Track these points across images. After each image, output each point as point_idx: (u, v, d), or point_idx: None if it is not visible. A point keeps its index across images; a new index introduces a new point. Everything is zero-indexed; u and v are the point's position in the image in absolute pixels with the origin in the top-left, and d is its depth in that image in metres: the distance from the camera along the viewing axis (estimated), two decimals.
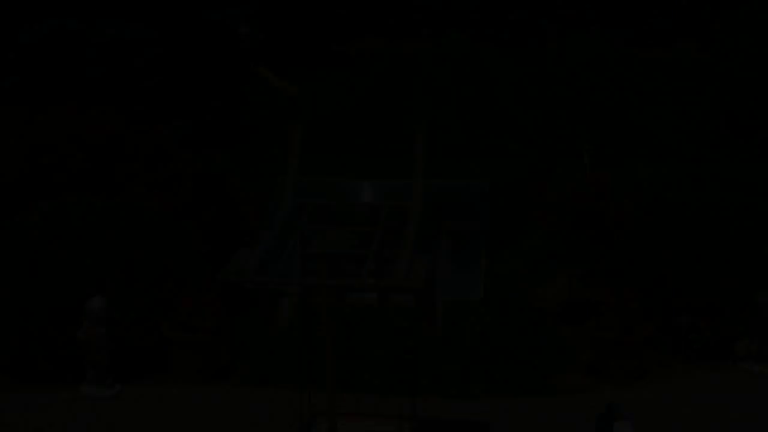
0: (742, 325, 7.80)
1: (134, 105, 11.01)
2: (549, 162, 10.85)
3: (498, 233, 11.86)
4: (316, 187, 6.09)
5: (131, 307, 7.24)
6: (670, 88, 12.41)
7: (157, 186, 8.67)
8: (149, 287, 7.36)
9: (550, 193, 8.66)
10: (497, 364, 7.70)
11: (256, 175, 15.89)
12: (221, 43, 12.85)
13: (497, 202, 12.24)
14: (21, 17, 11.02)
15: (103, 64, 10.97)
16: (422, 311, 4.92)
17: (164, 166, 8.80)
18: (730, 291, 7.84)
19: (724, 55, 11.78)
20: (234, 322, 8.35)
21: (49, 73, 10.83)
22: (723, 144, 12.22)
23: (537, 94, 12.22)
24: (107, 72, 11.01)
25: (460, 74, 12.30)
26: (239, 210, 9.09)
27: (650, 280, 7.94)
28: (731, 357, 7.79)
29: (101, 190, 8.45)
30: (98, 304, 6.90)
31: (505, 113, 12.01)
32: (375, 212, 4.65)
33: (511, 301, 9.30)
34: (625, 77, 12.42)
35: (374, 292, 5.06)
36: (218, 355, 7.47)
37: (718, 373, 7.60)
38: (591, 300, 9.15)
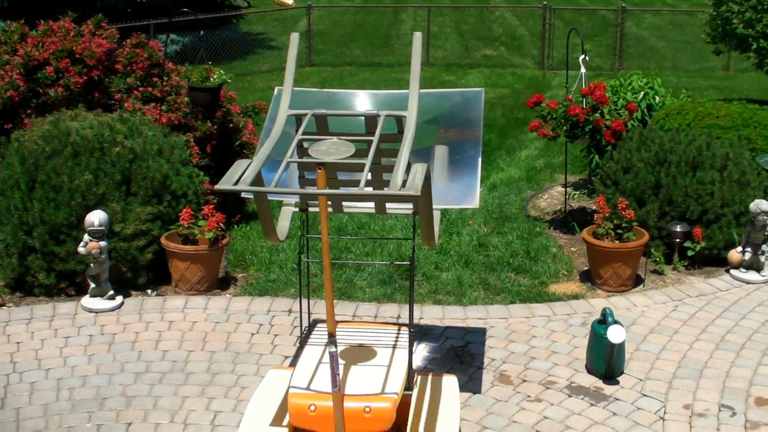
0: (736, 234, 7.87)
1: (129, 19, 10.94)
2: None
3: (495, 144, 11.95)
4: (312, 98, 6.10)
5: (131, 221, 7.29)
6: None
7: (153, 100, 8.69)
8: (148, 201, 7.42)
9: (546, 103, 8.66)
10: (493, 272, 7.80)
11: (253, 89, 15.93)
12: None
13: (495, 113, 12.34)
14: None
15: None
16: (420, 220, 4.96)
17: (160, 80, 8.80)
18: (724, 200, 7.90)
19: None
20: (233, 234, 8.44)
21: None
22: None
23: None
24: None
25: None
26: (237, 123, 9.11)
27: (645, 189, 7.99)
28: (724, 265, 7.88)
29: (97, 106, 8.47)
30: (98, 218, 6.94)
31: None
32: (371, 122, 4.66)
33: (508, 211, 9.39)
34: None
35: (371, 202, 5.11)
36: (218, 267, 7.55)
37: (711, 280, 7.69)
38: (586, 209, 9.23)
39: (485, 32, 23.41)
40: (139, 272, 7.40)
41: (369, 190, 4.69)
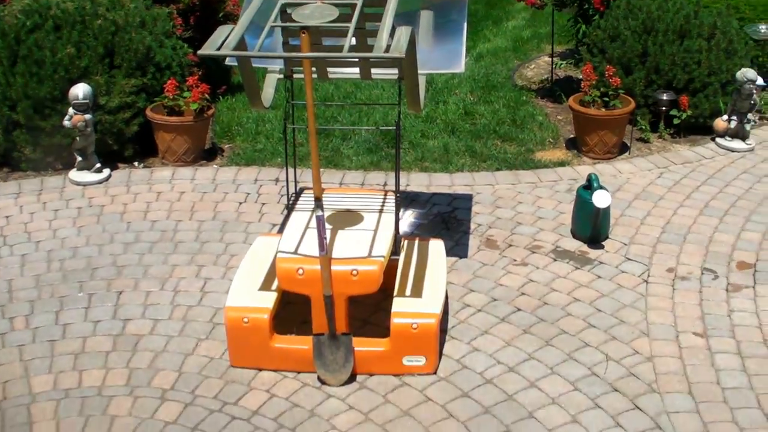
0: (722, 103, 7.87)
1: None
2: None
3: (481, 14, 11.83)
4: None
5: (115, 94, 7.25)
6: None
7: None
8: (132, 73, 7.36)
9: None
10: (480, 140, 7.82)
11: None
12: None
13: None
14: None
15: None
16: (405, 84, 4.95)
17: None
18: (711, 69, 7.88)
19: None
20: (219, 106, 8.41)
21: None
22: None
23: None
24: None
25: None
26: None
27: (632, 57, 7.96)
28: (710, 134, 7.91)
29: None
30: (82, 91, 6.89)
31: None
32: None
33: (494, 81, 9.36)
34: None
35: (356, 66, 5.09)
36: (204, 138, 7.54)
37: (696, 148, 7.72)
38: (573, 78, 9.21)
39: None
40: (125, 145, 7.39)
41: (354, 53, 4.66)
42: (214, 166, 7.38)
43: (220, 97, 8.67)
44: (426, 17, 5.55)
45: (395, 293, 4.91)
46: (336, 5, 4.32)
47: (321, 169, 6.91)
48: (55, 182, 7.07)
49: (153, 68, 7.46)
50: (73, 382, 4.83)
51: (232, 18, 8.87)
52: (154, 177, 7.16)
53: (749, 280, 5.75)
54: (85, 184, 7.02)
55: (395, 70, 5.11)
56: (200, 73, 7.79)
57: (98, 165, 7.11)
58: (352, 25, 4.14)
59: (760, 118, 8.32)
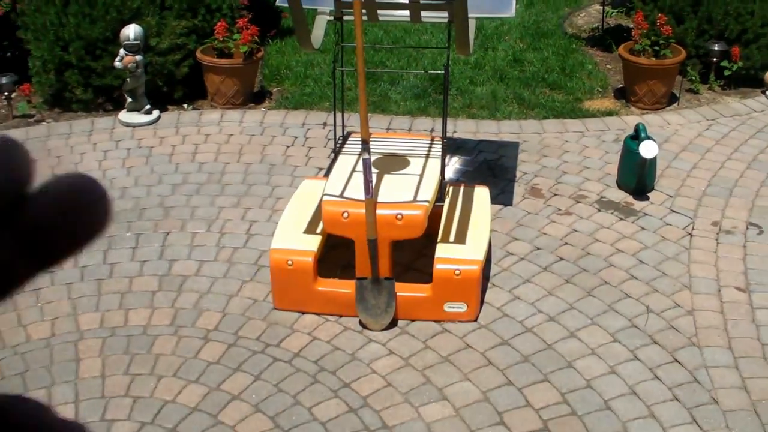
0: None
1: None
2: None
3: None
4: None
5: (166, 35, 7.30)
6: None
7: None
8: (183, 14, 7.40)
9: None
10: (528, 87, 7.79)
11: None
12: None
13: None
14: None
15: None
16: (455, 27, 4.93)
17: None
18: (765, 19, 7.76)
19: None
20: (268, 49, 8.43)
21: None
22: None
23: None
24: None
25: None
26: None
27: (685, 6, 7.86)
28: (761, 86, 7.81)
29: None
30: (133, 32, 6.94)
31: None
32: None
33: (544, 28, 9.28)
34: None
35: (406, 9, 5.08)
36: (253, 81, 7.58)
37: (746, 101, 7.64)
38: (623, 27, 9.11)
39: None
40: (175, 86, 7.45)
41: None
42: (263, 109, 7.43)
43: (270, 41, 8.69)
44: None
45: (439, 239, 4.94)
46: None
47: (368, 114, 6.93)
48: (106, 123, 7.15)
49: (203, 10, 7.49)
50: (120, 321, 4.93)
51: None
52: (202, 119, 7.22)
53: None
54: (134, 126, 7.09)
55: (445, 14, 5.10)
56: (250, 15, 7.80)
57: (148, 107, 7.17)
58: None
59: None
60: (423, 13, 5.07)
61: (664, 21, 7.38)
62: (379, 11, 5.23)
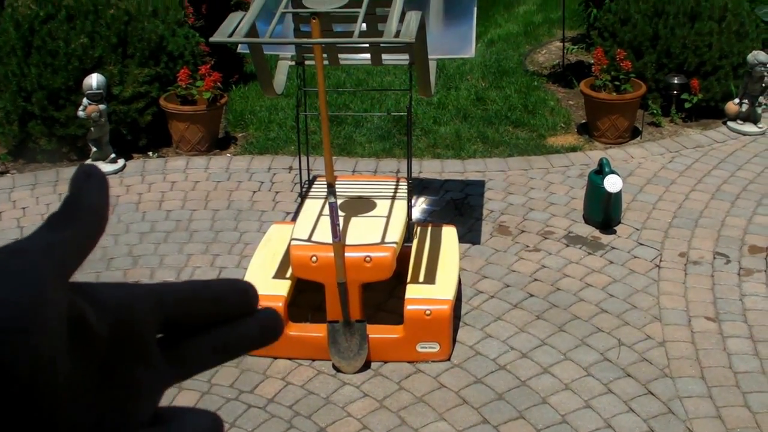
0: (733, 86, 7.87)
1: None
2: None
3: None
4: None
5: (129, 83, 7.29)
6: None
7: None
8: (145, 62, 7.40)
9: None
10: (492, 126, 7.83)
11: None
12: None
13: None
14: None
15: None
16: (416, 69, 4.97)
17: None
18: (722, 51, 7.87)
19: None
20: (232, 95, 8.44)
21: None
22: None
23: None
24: None
25: None
26: None
27: (643, 41, 7.95)
28: (721, 117, 7.90)
29: None
30: (96, 81, 6.92)
31: None
32: None
33: (506, 66, 9.36)
34: None
35: (367, 52, 5.11)
36: (217, 127, 7.58)
37: (708, 132, 7.73)
38: (584, 63, 9.21)
39: None
40: (139, 134, 7.43)
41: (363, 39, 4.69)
42: (228, 155, 7.42)
43: (233, 86, 8.71)
44: (436, 2, 5.57)
45: (408, 280, 4.95)
46: None
47: (334, 157, 6.94)
48: (71, 173, 7.05)
49: (166, 57, 7.49)
50: None
51: (243, 6, 8.88)
52: (168, 167, 7.20)
53: (761, 265, 5.76)
54: None
55: (406, 56, 5.13)
56: (212, 61, 7.82)
57: (113, 155, 7.15)
58: (362, 11, 4.16)
59: None
60: (384, 56, 5.10)
61: (623, 56, 7.47)
62: (340, 55, 5.26)
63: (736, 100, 7.73)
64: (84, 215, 0.56)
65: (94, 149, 7.11)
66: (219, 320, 0.59)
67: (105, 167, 7.09)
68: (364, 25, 4.35)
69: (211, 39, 4.19)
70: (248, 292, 0.61)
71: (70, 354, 0.50)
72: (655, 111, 7.84)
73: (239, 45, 5.15)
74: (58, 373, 0.49)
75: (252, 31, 4.26)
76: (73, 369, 0.50)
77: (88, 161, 7.12)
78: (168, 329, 0.57)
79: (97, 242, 0.57)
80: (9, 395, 0.46)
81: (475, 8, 5.47)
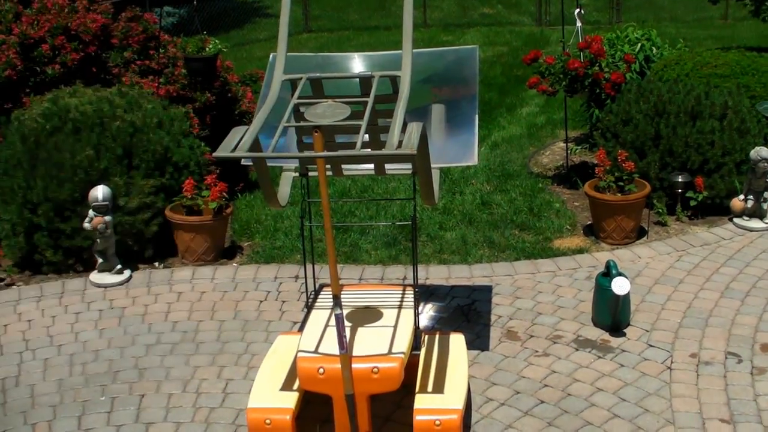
0: (738, 183, 7.88)
1: None
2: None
3: (495, 102, 11.94)
4: (308, 62, 6.11)
5: (134, 195, 7.32)
6: None
7: (151, 73, 8.69)
8: (151, 173, 7.44)
9: (543, 59, 8.66)
10: (497, 230, 7.83)
11: (251, 58, 15.91)
12: None
13: (494, 71, 12.32)
14: None
15: None
16: (419, 179, 4.98)
17: (157, 53, 8.80)
18: (725, 149, 7.90)
19: None
20: (237, 203, 8.47)
21: None
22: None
23: None
24: None
25: None
26: (235, 92, 9.12)
27: (646, 141, 8.00)
28: (727, 214, 7.90)
29: (95, 81, 8.47)
30: (102, 193, 6.97)
31: None
32: (366, 83, 4.68)
33: (510, 169, 9.40)
34: None
35: (370, 163, 5.13)
36: (223, 236, 7.59)
37: (714, 229, 7.72)
38: (588, 163, 9.25)
39: None
40: (145, 245, 7.44)
41: (366, 151, 4.71)
42: (234, 264, 7.42)
43: (239, 195, 8.75)
44: (438, 111, 5.62)
45: (417, 390, 4.88)
46: (348, 103, 4.37)
47: (340, 265, 6.94)
48: (77, 285, 7.11)
49: (171, 168, 7.54)
50: None
51: (247, 116, 8.99)
52: (174, 277, 7.19)
53: None
54: (106, 286, 7.05)
55: (409, 165, 5.15)
56: (218, 171, 7.87)
57: (119, 266, 7.15)
58: (364, 123, 4.19)
59: None
60: (387, 166, 5.13)
61: (625, 157, 7.50)
62: (343, 166, 5.29)
63: (741, 197, 7.74)
64: None
65: (100, 260, 7.12)
66: None
67: (111, 278, 7.09)
68: (366, 136, 4.38)
69: (214, 155, 4.21)
70: None
71: None
72: (660, 210, 7.84)
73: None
74: None
75: (255, 145, 4.28)
76: None
77: (95, 272, 7.13)
78: None
79: None
80: None
81: (477, 116, 5.51)
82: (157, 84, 8.49)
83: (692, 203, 7.80)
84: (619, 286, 5.93)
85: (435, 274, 7.04)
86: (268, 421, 4.71)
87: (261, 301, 6.77)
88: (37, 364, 6.04)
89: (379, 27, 19.32)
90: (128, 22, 8.87)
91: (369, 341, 4.74)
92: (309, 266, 5.60)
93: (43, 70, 8.30)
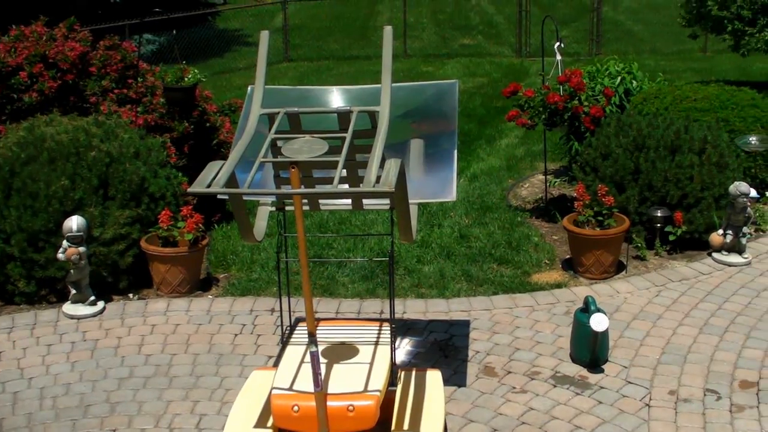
0: (717, 217, 7.87)
1: (101, 21, 10.86)
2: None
3: (474, 134, 11.95)
4: (286, 96, 6.06)
5: (109, 225, 7.25)
6: None
7: (129, 102, 8.64)
8: (126, 204, 7.37)
9: (523, 92, 8.66)
10: (476, 263, 7.79)
11: (231, 87, 15.90)
12: None
13: (474, 103, 12.33)
14: None
15: None
16: (397, 215, 4.94)
17: (135, 81, 8.75)
18: (704, 183, 7.89)
19: None
20: (213, 235, 8.40)
21: None
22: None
23: None
24: None
25: None
26: (213, 122, 9.07)
27: (625, 175, 7.99)
28: (706, 249, 7.89)
29: (73, 109, 8.41)
30: (76, 223, 6.89)
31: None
32: (344, 118, 4.64)
33: (489, 201, 9.38)
34: None
35: (347, 199, 5.09)
36: (199, 268, 7.52)
37: (693, 264, 7.70)
38: (567, 197, 9.23)
39: (462, 21, 23.42)
40: (119, 276, 7.36)
41: (344, 187, 4.66)
42: (210, 296, 7.34)
43: (215, 225, 8.68)
44: (416, 146, 5.58)
45: (393, 427, 4.81)
46: (326, 138, 4.33)
47: (316, 298, 6.87)
48: (49, 316, 7.01)
49: (147, 199, 7.47)
50: None
51: (225, 146, 8.93)
52: (148, 309, 7.11)
53: (753, 400, 5.67)
54: (79, 318, 6.96)
55: (386, 201, 5.11)
56: (194, 202, 7.80)
57: (92, 298, 7.06)
58: (341, 159, 4.14)
59: (756, 231, 8.33)
60: (365, 201, 5.08)
61: (605, 191, 7.49)
62: (320, 200, 5.24)
63: (720, 231, 7.73)
64: None
65: (73, 291, 7.03)
66: None
67: (84, 310, 7.00)
68: (344, 171, 4.34)
69: (189, 190, 4.15)
70: None
71: None
72: (639, 244, 7.82)
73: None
74: None
75: (231, 180, 4.23)
76: None
77: (68, 303, 7.04)
78: None
79: None
80: None
81: (456, 151, 5.48)
82: (135, 113, 8.43)
83: (671, 238, 7.79)
84: (598, 322, 5.89)
85: (412, 308, 6.98)
86: None
87: (236, 335, 6.69)
88: (7, 397, 5.94)
89: (360, 57, 19.36)
90: (107, 50, 8.82)
91: (344, 378, 4.67)
92: (285, 300, 5.53)
93: (20, 98, 8.24)
